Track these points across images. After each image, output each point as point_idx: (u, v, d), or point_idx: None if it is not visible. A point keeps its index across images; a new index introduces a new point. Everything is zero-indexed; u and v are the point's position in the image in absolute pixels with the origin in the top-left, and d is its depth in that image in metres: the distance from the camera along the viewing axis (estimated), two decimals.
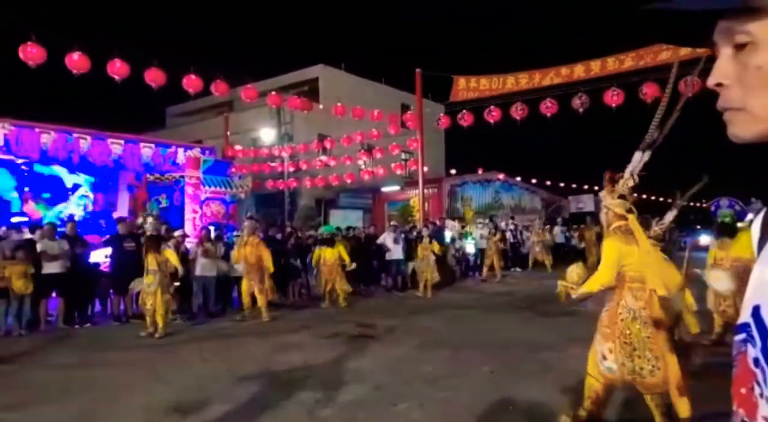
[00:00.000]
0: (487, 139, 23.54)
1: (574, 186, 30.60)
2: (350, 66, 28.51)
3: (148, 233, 8.65)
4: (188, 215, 14.66)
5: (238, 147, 22.37)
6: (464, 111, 15.43)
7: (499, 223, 17.75)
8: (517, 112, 14.25)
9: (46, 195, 13.40)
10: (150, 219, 8.67)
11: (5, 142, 11.54)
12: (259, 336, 7.74)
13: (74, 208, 13.88)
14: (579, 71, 14.46)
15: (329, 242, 10.81)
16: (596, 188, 31.50)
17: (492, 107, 14.69)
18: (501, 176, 26.99)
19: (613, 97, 12.79)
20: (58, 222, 10.26)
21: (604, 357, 3.66)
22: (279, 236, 11.73)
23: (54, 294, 8.73)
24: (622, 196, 3.76)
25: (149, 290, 7.91)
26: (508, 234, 17.29)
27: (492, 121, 14.66)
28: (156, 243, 8.20)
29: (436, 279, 12.14)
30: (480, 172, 26.48)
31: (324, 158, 22.29)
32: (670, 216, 4.24)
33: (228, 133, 23.89)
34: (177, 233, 9.93)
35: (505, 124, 14.77)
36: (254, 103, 17.80)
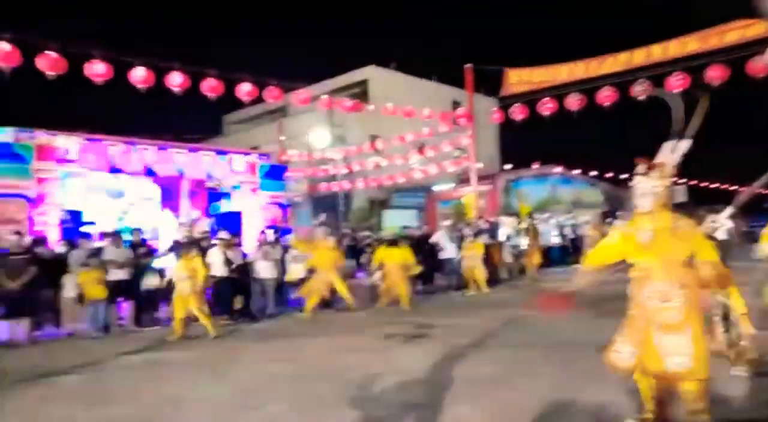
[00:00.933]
0: (543, 132, 22.96)
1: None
2: (400, 65, 28.54)
3: (181, 240, 8.74)
4: (246, 220, 15.08)
5: (292, 151, 22.85)
6: (517, 104, 15.09)
7: (559, 218, 17.22)
8: (574, 102, 13.80)
9: (113, 205, 14.10)
10: (182, 227, 8.93)
11: (77, 155, 12.25)
12: (316, 337, 7.84)
13: (141, 216, 14.56)
14: (639, 57, 13.84)
15: (394, 243, 10.66)
16: None
17: (546, 99, 14.29)
18: (558, 170, 26.20)
19: (677, 82, 12.14)
20: (129, 230, 10.74)
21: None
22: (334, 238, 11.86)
23: (123, 299, 9.18)
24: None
25: (182, 295, 8.01)
26: (568, 230, 16.73)
27: (547, 113, 14.27)
28: (186, 250, 8.35)
29: (485, 277, 11.99)
30: (536, 166, 25.82)
31: (376, 159, 22.41)
32: (725, 214, 3.99)
33: (282, 138, 24.45)
34: (222, 235, 9.93)
35: (561, 116, 14.34)
36: (307, 108, 18.18)
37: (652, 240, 3.57)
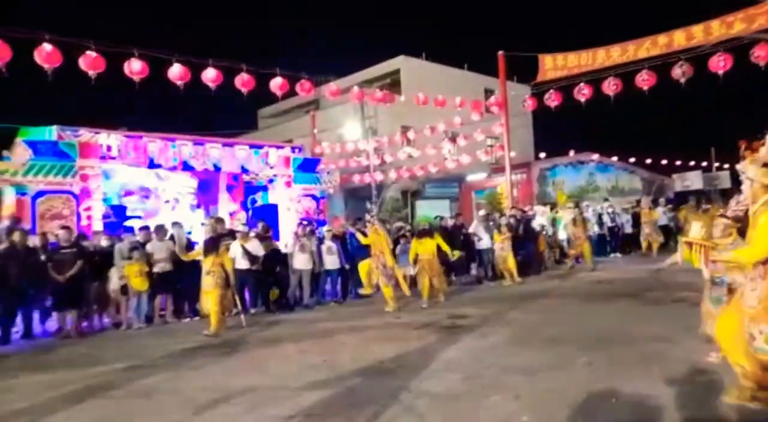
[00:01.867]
0: (578, 118, 22.43)
1: (678, 163, 28.34)
2: (431, 54, 28.30)
3: (208, 235, 8.52)
4: (282, 212, 15.30)
5: (325, 143, 22.97)
6: (552, 91, 14.79)
7: (595, 207, 16.82)
8: (610, 87, 13.42)
9: (152, 199, 14.51)
10: (209, 221, 8.99)
11: (118, 152, 12.65)
12: (352, 328, 7.92)
13: (180, 210, 14.94)
14: (679, 39, 13.31)
15: (427, 233, 10.17)
16: (704, 164, 29.03)
17: (582, 84, 13.95)
18: (595, 157, 25.62)
19: (720, 63, 11.65)
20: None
21: (753, 338, 3.46)
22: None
23: (165, 291, 9.45)
24: (766, 165, 3.45)
25: (207, 290, 8.01)
26: (606, 218, 16.33)
27: (583, 99, 13.93)
28: (214, 244, 8.23)
29: (514, 267, 11.89)
30: (572, 153, 25.29)
31: (408, 149, 22.32)
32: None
33: (315, 131, 24.61)
34: (240, 229, 9.90)
35: (598, 102, 13.98)
36: (338, 100, 18.23)
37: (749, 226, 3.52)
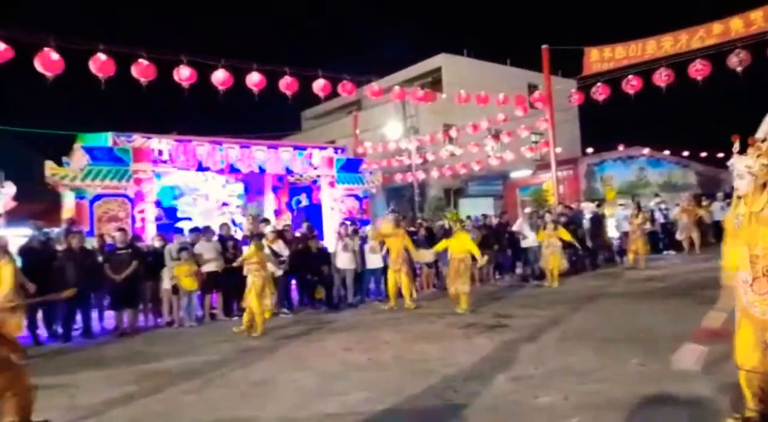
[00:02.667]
0: (628, 111, 21.66)
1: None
2: (472, 51, 28.01)
3: (247, 234, 8.72)
4: (325, 212, 15.49)
5: (367, 143, 23.09)
6: (599, 84, 14.36)
7: (647, 203, 16.24)
8: (662, 78, 12.91)
9: (201, 201, 14.96)
10: (248, 220, 9.14)
11: (169, 156, 13.12)
12: (396, 327, 7.93)
13: (228, 210, 15.34)
14: (736, 26, 12.68)
15: (451, 233, 9.78)
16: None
17: (631, 76, 13.48)
18: (646, 151, 24.72)
19: None
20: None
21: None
22: (411, 229, 11.89)
23: (214, 290, 9.72)
24: None
25: (249, 288, 8.10)
26: (657, 215, 15.74)
27: (632, 91, 13.46)
28: (254, 243, 8.46)
29: (564, 267, 11.52)
30: (621, 148, 24.49)
31: (450, 147, 22.16)
32: None
33: (357, 131, 24.78)
34: (268, 229, 9.98)
35: (648, 94, 13.48)
36: (380, 100, 18.26)
37: (743, 226, 3.31)
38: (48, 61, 9.08)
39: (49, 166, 11.57)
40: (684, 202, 15.39)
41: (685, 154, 26.28)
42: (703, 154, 26.05)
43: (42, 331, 8.49)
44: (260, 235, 9.21)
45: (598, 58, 15.00)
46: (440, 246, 9.77)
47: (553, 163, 17.39)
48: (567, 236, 11.47)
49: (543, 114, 17.60)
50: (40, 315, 8.46)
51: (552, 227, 11.54)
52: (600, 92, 14.28)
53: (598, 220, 14.28)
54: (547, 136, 17.90)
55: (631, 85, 13.39)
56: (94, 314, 9.19)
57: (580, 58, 15.45)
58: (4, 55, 8.82)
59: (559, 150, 17.93)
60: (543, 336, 6.63)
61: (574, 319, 7.65)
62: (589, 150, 24.89)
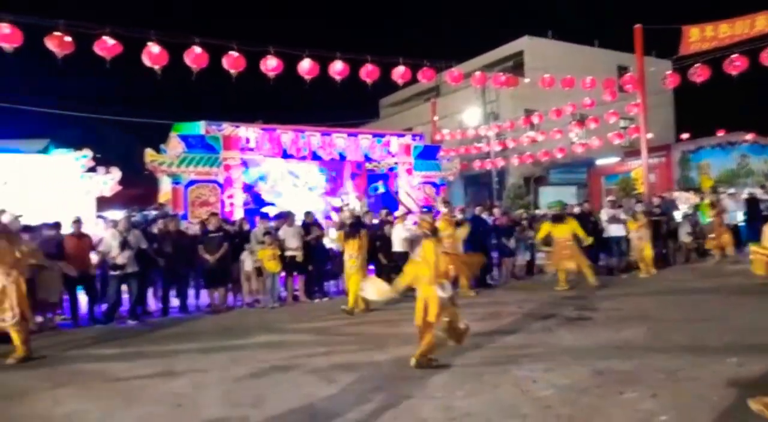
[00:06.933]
0: (729, 94, 20.00)
1: None
2: (557, 32, 26.94)
3: (348, 222, 9.39)
4: (402, 199, 15.58)
5: (445, 130, 22.92)
6: (698, 65, 13.35)
7: (747, 192, 14.94)
8: None
9: (285, 187, 15.52)
10: (346, 209, 9.48)
11: (255, 143, 13.73)
12: (473, 314, 7.86)
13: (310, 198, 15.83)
14: None
15: (560, 219, 10.25)
16: None
17: (735, 56, 12.42)
18: (749, 137, 22.68)
19: None
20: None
21: None
22: (486, 216, 11.72)
23: (296, 273, 10.11)
24: None
25: (350, 272, 8.74)
26: (764, 206, 14.45)
27: (735, 72, 12.41)
28: (354, 230, 8.92)
29: (652, 257, 11.00)
30: (720, 134, 22.68)
31: (532, 134, 21.53)
32: None
33: (435, 118, 24.64)
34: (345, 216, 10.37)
35: (753, 75, 12.38)
36: (459, 85, 18.04)
37: None
38: (152, 55, 9.78)
39: (149, 153, 12.43)
40: (723, 198, 13.97)
41: None
42: None
43: (151, 304, 9.42)
44: (354, 225, 9.44)
45: (698, 37, 13.96)
46: (543, 231, 10.39)
47: (644, 150, 16.44)
48: (634, 226, 11.08)
49: (633, 98, 16.65)
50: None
51: (643, 216, 11.02)
52: (699, 73, 13.29)
53: (693, 211, 13.34)
54: (637, 121, 16.94)
55: (735, 65, 12.35)
56: (191, 292, 9.88)
57: (675, 38, 14.46)
58: (114, 49, 9.61)
59: (650, 136, 16.92)
60: (628, 331, 6.37)
61: (664, 314, 7.27)
62: (685, 136, 23.28)
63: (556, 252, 10.12)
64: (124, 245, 8.39)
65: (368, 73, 12.15)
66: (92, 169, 12.11)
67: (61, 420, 4.27)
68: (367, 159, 15.62)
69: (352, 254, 8.76)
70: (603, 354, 5.44)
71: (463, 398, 4.37)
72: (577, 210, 12.88)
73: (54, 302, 8.14)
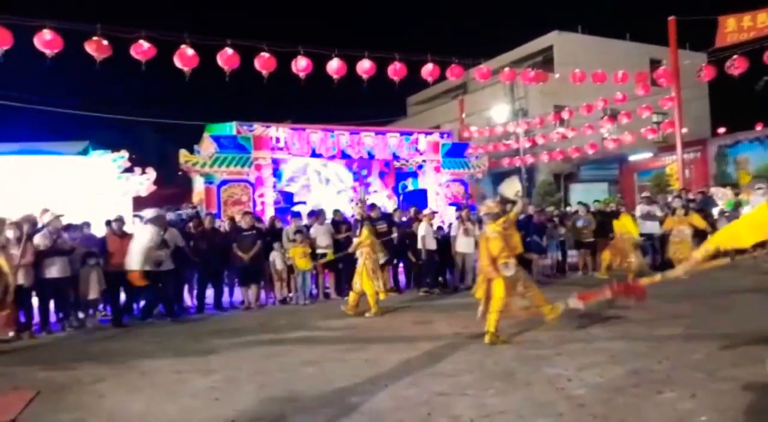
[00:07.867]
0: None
1: None
2: (587, 27, 26.49)
3: (362, 216, 9.27)
4: (431, 197, 15.59)
5: (473, 128, 22.78)
6: (735, 57, 12.97)
7: None
8: None
9: (315, 185, 15.69)
10: (358, 205, 9.43)
11: (285, 143, 13.92)
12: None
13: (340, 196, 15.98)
14: None
15: (616, 214, 10.78)
16: None
17: None
18: None
19: None
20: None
21: None
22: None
23: (327, 271, 10.22)
24: None
25: (360, 270, 8.31)
26: None
27: None
28: (359, 228, 8.83)
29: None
30: (759, 127, 21.95)
31: (562, 130, 21.25)
32: None
33: (463, 115, 24.51)
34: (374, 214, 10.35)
35: None
36: (487, 82, 17.93)
37: None
38: (185, 57, 10.00)
39: (183, 154, 12.74)
40: (746, 192, 13.41)
41: None
42: None
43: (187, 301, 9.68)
44: (370, 218, 9.51)
45: (734, 27, 13.55)
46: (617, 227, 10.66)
47: (678, 145, 16.07)
48: (701, 223, 10.39)
49: (667, 92, 16.28)
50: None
51: (682, 213, 10.65)
52: (736, 66, 12.91)
53: (731, 208, 12.98)
54: (671, 116, 16.57)
55: None
56: (225, 290, 10.06)
57: (710, 29, 14.06)
58: (149, 52, 9.87)
59: (685, 130, 16.52)
60: (665, 330, 6.26)
61: (702, 313, 7.13)
62: (721, 130, 22.63)
63: (613, 247, 10.55)
64: (161, 243, 8.61)
65: (396, 71, 12.19)
66: (129, 170, 12.45)
67: (106, 412, 4.44)
68: (395, 157, 15.67)
69: (364, 251, 8.40)
70: (638, 352, 5.36)
71: (495, 395, 4.37)
72: (611, 207, 12.68)
73: (95, 299, 8.41)
